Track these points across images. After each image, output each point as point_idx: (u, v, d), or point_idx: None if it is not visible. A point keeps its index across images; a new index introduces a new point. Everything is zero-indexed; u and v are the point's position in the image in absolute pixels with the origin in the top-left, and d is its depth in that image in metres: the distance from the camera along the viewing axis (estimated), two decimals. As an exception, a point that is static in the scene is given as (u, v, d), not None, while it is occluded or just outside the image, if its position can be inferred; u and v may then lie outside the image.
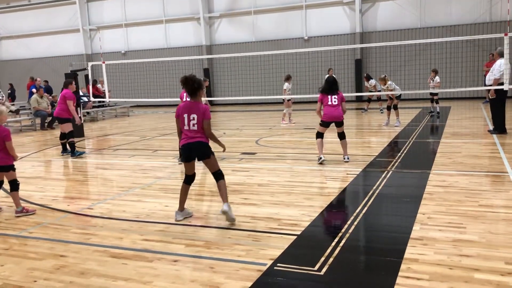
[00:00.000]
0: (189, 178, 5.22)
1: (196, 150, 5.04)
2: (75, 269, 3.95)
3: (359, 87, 22.67)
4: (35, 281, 3.74)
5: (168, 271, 3.84)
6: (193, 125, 4.99)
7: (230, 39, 25.98)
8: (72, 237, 4.81)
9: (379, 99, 17.90)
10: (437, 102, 15.21)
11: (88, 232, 4.96)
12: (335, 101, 8.07)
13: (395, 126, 12.86)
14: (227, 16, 26.05)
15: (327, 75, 18.55)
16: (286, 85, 14.81)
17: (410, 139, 10.55)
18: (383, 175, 6.97)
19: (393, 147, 9.87)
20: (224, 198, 5.07)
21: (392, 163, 7.92)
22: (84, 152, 10.33)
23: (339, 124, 8.14)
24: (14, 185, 5.77)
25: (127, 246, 4.46)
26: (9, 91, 24.55)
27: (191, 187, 5.36)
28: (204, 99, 9.13)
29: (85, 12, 29.08)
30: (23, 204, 5.97)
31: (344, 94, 8.46)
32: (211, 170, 5.14)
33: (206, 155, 5.06)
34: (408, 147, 9.56)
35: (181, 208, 5.25)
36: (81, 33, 28.99)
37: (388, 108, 13.39)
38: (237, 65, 25.20)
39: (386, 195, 6.02)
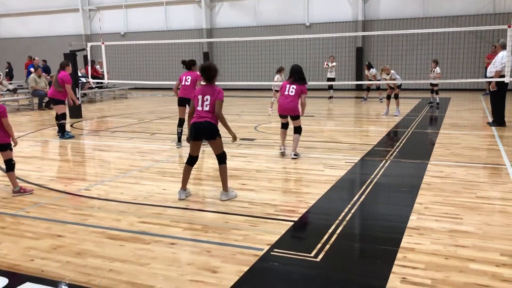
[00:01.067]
0: (191, 159, 5.38)
1: (203, 129, 5.18)
2: (72, 249, 3.96)
3: (359, 76, 22.58)
4: (32, 260, 3.75)
5: (165, 253, 3.85)
6: (206, 105, 5.19)
7: (231, 23, 25.76)
8: (69, 218, 4.81)
9: (378, 88, 17.84)
10: (437, 93, 15.20)
11: (85, 213, 4.97)
12: (292, 91, 7.43)
13: (395, 115, 12.84)
14: (228, 0, 25.79)
15: (328, 62, 18.41)
16: (277, 77, 14.55)
17: (409, 129, 10.54)
18: (381, 164, 6.98)
19: (392, 136, 9.86)
20: (223, 185, 5.33)
21: (391, 152, 7.93)
22: (73, 136, 10.18)
23: (294, 117, 7.60)
24: (10, 165, 5.73)
25: (124, 228, 4.46)
26: (7, 70, 24.36)
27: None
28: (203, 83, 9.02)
29: (85, -9, 28.75)
30: (21, 183, 5.96)
31: (344, 82, 8.34)
32: (215, 152, 5.32)
33: (212, 135, 5.21)
34: (406, 137, 9.56)
35: (184, 187, 5.44)
36: (80, 13, 28.68)
37: (388, 98, 13.35)
38: (237, 49, 25.03)
39: (384, 184, 6.03)
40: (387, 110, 13.27)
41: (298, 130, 7.63)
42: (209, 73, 5.25)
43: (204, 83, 5.38)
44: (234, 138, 5.41)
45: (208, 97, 5.20)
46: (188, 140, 5.37)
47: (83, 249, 3.97)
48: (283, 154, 7.73)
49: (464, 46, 21.36)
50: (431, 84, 15.38)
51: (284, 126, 7.83)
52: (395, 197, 5.52)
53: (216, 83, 5.38)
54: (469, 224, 4.42)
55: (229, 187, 5.45)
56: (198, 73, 8.51)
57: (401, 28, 21.83)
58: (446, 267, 3.50)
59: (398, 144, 8.79)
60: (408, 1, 22.28)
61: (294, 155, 7.53)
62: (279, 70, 14.56)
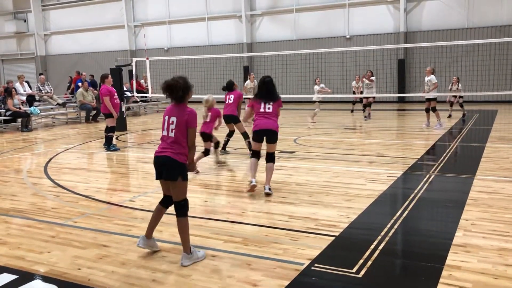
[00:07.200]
0: (165, 199, 4.19)
1: (161, 165, 4.00)
2: (117, 259, 4.07)
3: (401, 88, 22.20)
4: (79, 269, 3.88)
5: (206, 265, 3.90)
6: (171, 130, 3.96)
7: (271, 37, 25.97)
8: (114, 228, 4.96)
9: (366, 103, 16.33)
10: (461, 106, 15.43)
11: (130, 224, 5.10)
12: (269, 109, 6.23)
13: (435, 128, 12.51)
14: (268, 14, 26.04)
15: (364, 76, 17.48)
16: (315, 87, 14.83)
17: (453, 143, 10.25)
18: (425, 179, 6.81)
19: (436, 150, 9.61)
20: (184, 245, 3.98)
21: (435, 166, 7.72)
22: (118, 149, 10.46)
23: (272, 139, 6.19)
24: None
25: (167, 239, 4.55)
26: (69, 84, 25.13)
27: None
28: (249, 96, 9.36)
29: (130, 8, 29.75)
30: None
31: (386, 95, 8.01)
32: (175, 197, 4.01)
33: (171, 175, 3.94)
34: (451, 151, 9.29)
35: (149, 234, 4.18)
36: (126, 29, 29.69)
37: (427, 111, 13.08)
38: (277, 63, 25.15)
39: (428, 199, 5.87)
40: (428, 123, 12.99)
41: (272, 158, 6.23)
42: (177, 93, 3.97)
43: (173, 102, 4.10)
44: (191, 169, 4.11)
45: (174, 119, 3.96)
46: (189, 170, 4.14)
47: (127, 259, 4.08)
48: (252, 189, 6.16)
49: (512, 57, 20.63)
50: (461, 97, 15.33)
51: (257, 155, 6.31)
52: (439, 213, 5.36)
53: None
54: (519, 242, 4.23)
55: (192, 246, 4.02)
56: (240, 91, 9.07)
57: (444, 39, 21.33)
58: (495, 287, 3.37)
59: (442, 158, 8.55)
60: (452, 11, 21.79)
61: (269, 189, 6.10)
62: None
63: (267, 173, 6.18)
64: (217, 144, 8.29)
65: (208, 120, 7.80)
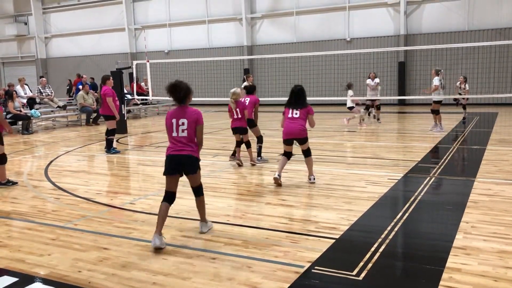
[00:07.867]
0: (169, 196, 4.61)
1: (182, 163, 4.55)
2: (117, 262, 4.07)
3: (402, 91, 22.21)
4: (79, 272, 3.88)
5: (206, 268, 3.90)
6: (183, 130, 4.51)
7: (271, 39, 26.00)
8: (114, 231, 4.96)
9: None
10: (464, 108, 15.48)
11: (130, 227, 5.10)
12: (296, 114, 6.85)
13: (435, 131, 12.49)
14: (269, 17, 26.09)
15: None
16: (349, 92, 14.45)
17: (454, 145, 10.25)
18: (425, 181, 6.81)
19: (436, 153, 9.61)
20: (202, 216, 4.81)
21: (435, 169, 7.72)
22: (119, 151, 10.46)
23: (301, 141, 6.90)
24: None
25: (167, 241, 4.54)
26: (68, 87, 25.22)
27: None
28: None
29: (131, 11, 29.81)
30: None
31: (386, 97, 8.00)
32: (192, 184, 4.72)
33: (192, 169, 4.62)
34: (452, 154, 9.29)
35: (159, 231, 4.46)
36: (126, 32, 29.74)
37: (432, 112, 13.01)
38: (278, 65, 25.19)
39: (428, 201, 5.88)
40: (435, 125, 12.92)
41: (308, 153, 6.98)
42: (179, 93, 4.50)
43: (176, 105, 4.66)
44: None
45: (184, 120, 4.51)
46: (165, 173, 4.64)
47: (128, 262, 4.08)
48: (276, 180, 6.76)
49: (512, 59, 20.64)
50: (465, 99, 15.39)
51: (287, 155, 7.04)
52: (440, 215, 5.36)
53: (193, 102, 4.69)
54: (520, 244, 4.23)
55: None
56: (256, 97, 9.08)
57: (444, 42, 21.35)
58: (495, 289, 3.37)
59: (442, 160, 8.56)
60: (452, 14, 21.82)
61: (313, 179, 6.98)
62: (349, 86, 14.43)
63: (307, 166, 7.02)
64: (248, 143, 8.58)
65: (239, 116, 8.40)
